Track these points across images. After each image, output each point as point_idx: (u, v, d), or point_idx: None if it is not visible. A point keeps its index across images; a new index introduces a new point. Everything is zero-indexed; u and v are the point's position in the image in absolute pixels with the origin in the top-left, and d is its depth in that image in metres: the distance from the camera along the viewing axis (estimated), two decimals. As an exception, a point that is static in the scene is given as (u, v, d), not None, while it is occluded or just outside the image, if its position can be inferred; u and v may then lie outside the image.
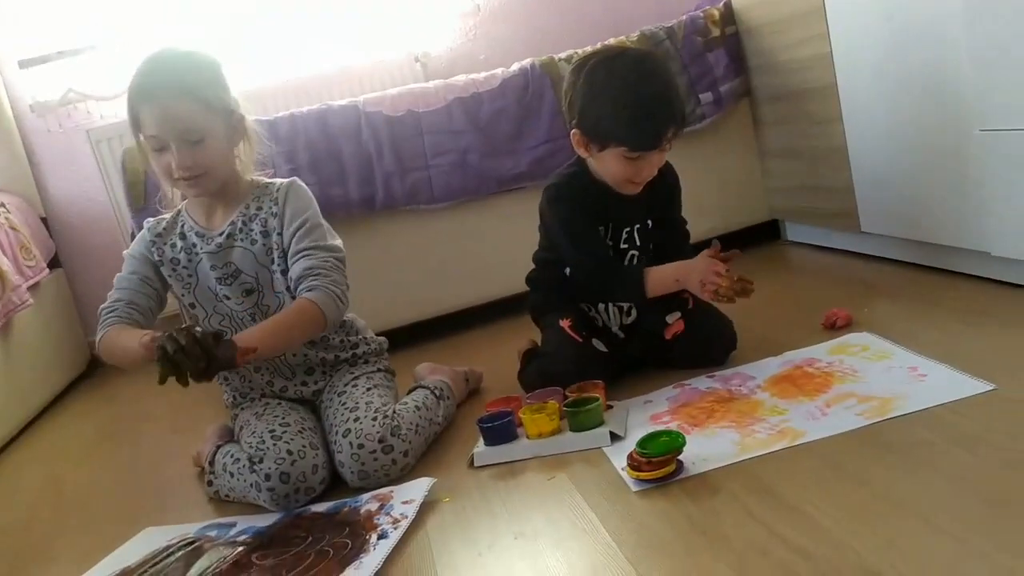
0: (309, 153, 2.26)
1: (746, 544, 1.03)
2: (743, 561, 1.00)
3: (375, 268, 2.32)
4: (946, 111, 1.75)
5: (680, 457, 1.27)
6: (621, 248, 1.71)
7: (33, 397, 2.53)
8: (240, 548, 1.35)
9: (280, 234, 1.59)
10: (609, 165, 1.62)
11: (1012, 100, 1.57)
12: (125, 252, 1.67)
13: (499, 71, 2.42)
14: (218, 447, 1.60)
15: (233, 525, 1.45)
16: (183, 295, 1.64)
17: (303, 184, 1.65)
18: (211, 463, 1.59)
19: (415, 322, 2.38)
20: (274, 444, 1.46)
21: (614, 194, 1.66)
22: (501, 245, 2.34)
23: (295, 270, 1.55)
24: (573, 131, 1.63)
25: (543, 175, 2.30)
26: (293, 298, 1.56)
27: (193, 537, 1.44)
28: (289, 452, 1.45)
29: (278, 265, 1.59)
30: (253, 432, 1.51)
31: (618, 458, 1.34)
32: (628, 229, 1.70)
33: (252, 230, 1.60)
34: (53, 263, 2.98)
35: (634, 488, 1.25)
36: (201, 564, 1.33)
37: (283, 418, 1.54)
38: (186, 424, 2.13)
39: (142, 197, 2.21)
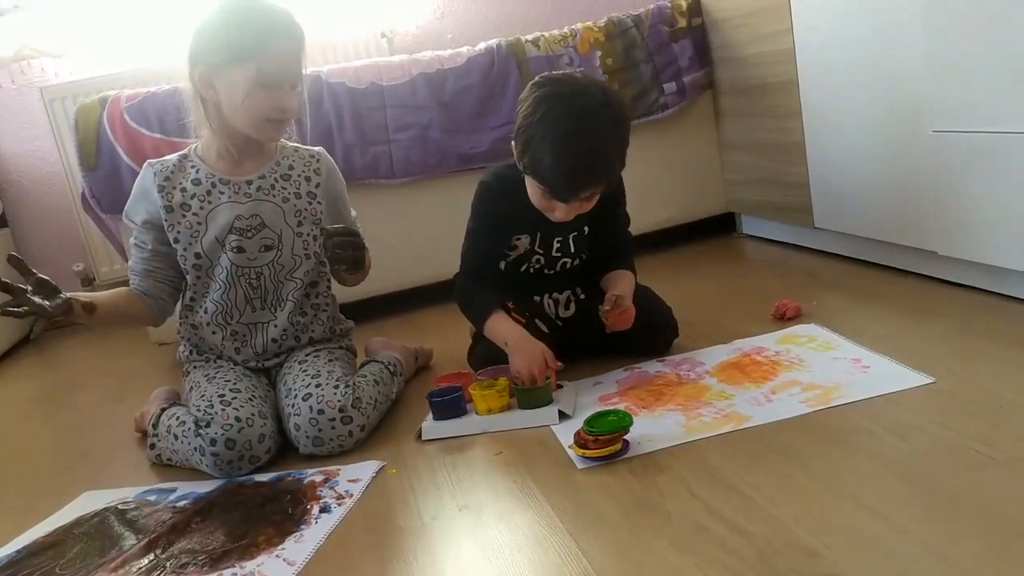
0: (269, 121, 2.22)
1: (687, 521, 1.05)
2: (683, 537, 1.02)
3: (331, 241, 2.30)
4: (902, 111, 1.78)
5: (626, 437, 1.28)
6: (553, 256, 1.69)
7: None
8: (179, 512, 1.33)
9: (319, 201, 1.63)
10: (530, 188, 1.59)
11: (964, 102, 1.60)
12: (126, 213, 1.63)
13: (465, 49, 2.41)
14: (163, 409, 1.58)
15: (173, 490, 1.44)
16: (189, 245, 1.57)
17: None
18: (155, 425, 1.56)
19: (369, 297, 2.37)
20: (223, 409, 1.44)
21: None
22: (458, 225, 2.32)
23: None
24: (513, 141, 1.58)
25: (505, 156, 2.27)
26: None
27: (132, 501, 1.42)
28: (237, 419, 1.43)
29: (304, 228, 1.61)
30: (202, 395, 1.49)
31: (565, 436, 1.35)
32: (560, 238, 1.68)
33: (285, 188, 1.61)
34: (0, 223, 2.91)
35: (580, 465, 1.26)
36: (139, 526, 1.31)
37: (234, 383, 1.52)
38: (126, 391, 2.10)
39: (93, 156, 2.16)
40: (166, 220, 1.57)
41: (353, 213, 1.73)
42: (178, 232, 1.57)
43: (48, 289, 1.42)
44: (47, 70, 2.97)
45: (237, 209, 1.57)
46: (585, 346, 1.70)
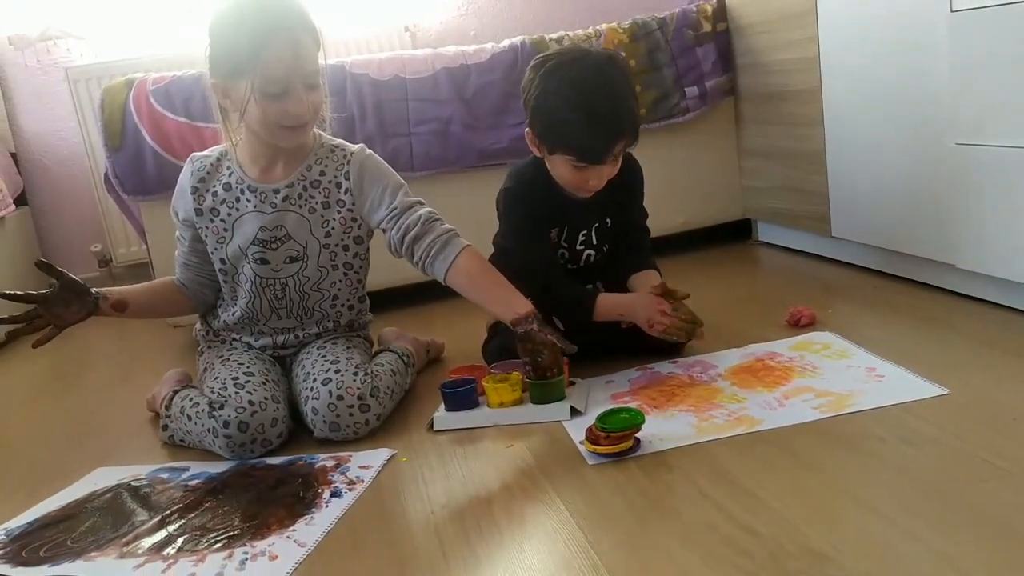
0: (291, 109, 2.24)
1: (696, 520, 1.05)
2: (692, 535, 1.02)
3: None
4: (924, 122, 1.77)
5: (638, 435, 1.28)
6: (578, 249, 1.70)
7: (-12, 333, 2.48)
8: (191, 491, 1.34)
9: (350, 209, 1.56)
10: (559, 170, 1.59)
11: (987, 115, 1.60)
12: (172, 205, 1.63)
13: (489, 45, 2.42)
14: (176, 391, 1.59)
15: (186, 469, 1.45)
16: (215, 250, 1.58)
17: (374, 153, 1.61)
18: (167, 406, 1.57)
19: (382, 289, 2.37)
20: (236, 392, 1.45)
21: (570, 195, 1.63)
22: (475, 220, 2.32)
23: (410, 220, 1.53)
24: (527, 130, 1.60)
25: (524, 153, 2.29)
26: (400, 246, 1.55)
27: (145, 478, 1.43)
28: (251, 402, 1.44)
29: (332, 240, 1.57)
30: (216, 377, 1.50)
31: (577, 432, 1.36)
32: (585, 231, 1.68)
33: (313, 197, 1.55)
34: (20, 200, 2.93)
35: (590, 461, 1.26)
36: (151, 503, 1.32)
37: (248, 367, 1.53)
38: (138, 372, 2.12)
39: (118, 137, 2.18)
40: (196, 222, 1.58)
41: (405, 199, 1.57)
42: (206, 235, 1.59)
43: (76, 291, 1.47)
44: (72, 51, 2.99)
45: (262, 219, 1.55)
46: (600, 342, 1.71)
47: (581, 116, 1.50)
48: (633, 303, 1.61)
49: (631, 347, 1.66)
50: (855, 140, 2.02)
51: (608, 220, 1.70)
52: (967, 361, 1.46)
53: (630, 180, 1.70)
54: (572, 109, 1.50)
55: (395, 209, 1.55)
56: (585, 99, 1.50)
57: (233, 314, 1.62)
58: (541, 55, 1.60)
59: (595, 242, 1.70)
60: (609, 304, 1.62)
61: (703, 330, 1.61)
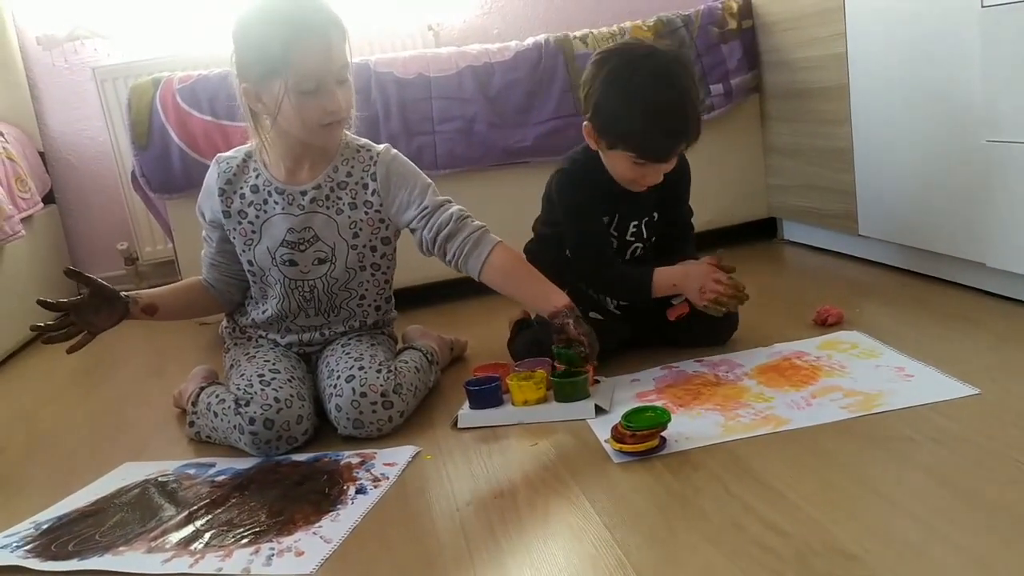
0: (316, 108, 2.25)
1: (723, 518, 1.05)
2: (719, 534, 1.01)
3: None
4: (955, 120, 1.75)
5: (664, 434, 1.28)
6: (627, 240, 1.70)
7: (15, 330, 2.51)
8: (218, 487, 1.35)
9: (377, 210, 1.57)
10: (616, 164, 1.60)
11: (1019, 112, 1.58)
12: (198, 206, 1.63)
13: (513, 43, 2.41)
14: (202, 388, 1.60)
15: (212, 465, 1.46)
16: (243, 251, 1.59)
17: (400, 154, 1.62)
18: (194, 403, 1.58)
19: (406, 287, 2.37)
20: (262, 389, 1.46)
21: (622, 186, 1.64)
22: (500, 218, 2.32)
23: (441, 219, 1.54)
24: (586, 123, 1.60)
25: (548, 151, 2.30)
26: (432, 245, 1.56)
27: (172, 474, 1.44)
28: (276, 400, 1.45)
29: (360, 240, 1.58)
30: (242, 374, 1.51)
31: (602, 431, 1.35)
32: (636, 222, 1.69)
33: (340, 199, 1.56)
34: (47, 199, 2.96)
35: (616, 460, 1.26)
36: (178, 499, 1.33)
37: (273, 364, 1.53)
38: (166, 367, 2.13)
39: (145, 136, 2.20)
40: (224, 224, 1.59)
41: (434, 198, 1.58)
42: (234, 237, 1.59)
43: (106, 296, 1.48)
44: (99, 51, 3.02)
45: (290, 221, 1.55)
46: (643, 335, 1.71)
47: (648, 117, 1.50)
48: (687, 272, 1.61)
49: (676, 338, 1.68)
50: (883, 137, 2.00)
51: (656, 214, 1.71)
52: (998, 360, 1.44)
53: (682, 175, 1.71)
54: (639, 109, 1.51)
55: (426, 209, 1.55)
56: (652, 99, 1.50)
57: (263, 312, 1.63)
58: (605, 49, 1.60)
59: (644, 235, 1.70)
60: (664, 276, 1.62)
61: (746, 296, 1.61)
